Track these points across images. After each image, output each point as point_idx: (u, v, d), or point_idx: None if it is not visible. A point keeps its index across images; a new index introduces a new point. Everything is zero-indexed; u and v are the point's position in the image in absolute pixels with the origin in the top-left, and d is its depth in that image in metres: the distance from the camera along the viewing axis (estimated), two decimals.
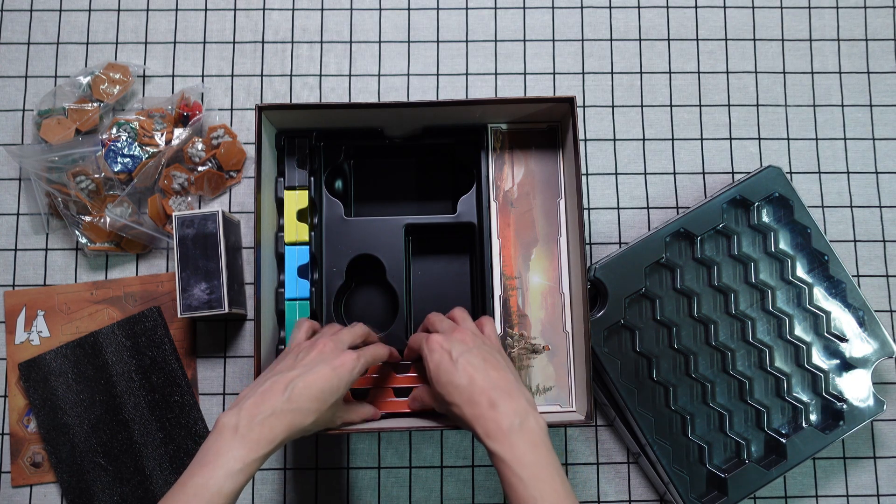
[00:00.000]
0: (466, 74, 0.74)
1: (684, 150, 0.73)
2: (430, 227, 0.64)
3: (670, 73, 0.74)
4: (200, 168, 0.70)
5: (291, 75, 0.73)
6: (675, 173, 0.72)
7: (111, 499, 0.65)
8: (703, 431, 0.65)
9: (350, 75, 0.73)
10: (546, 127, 0.64)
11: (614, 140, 0.73)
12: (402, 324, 0.61)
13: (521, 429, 0.48)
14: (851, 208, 0.72)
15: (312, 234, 0.62)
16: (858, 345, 0.65)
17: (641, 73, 0.74)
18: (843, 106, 0.74)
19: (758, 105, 0.74)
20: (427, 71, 0.74)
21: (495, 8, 0.75)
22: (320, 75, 0.73)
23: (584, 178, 0.72)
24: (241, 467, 0.46)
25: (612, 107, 0.73)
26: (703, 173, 0.72)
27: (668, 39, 0.75)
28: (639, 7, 0.75)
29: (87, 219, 0.68)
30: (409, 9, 0.75)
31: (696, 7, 0.75)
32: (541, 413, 0.60)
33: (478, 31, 0.74)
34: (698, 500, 0.62)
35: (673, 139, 0.73)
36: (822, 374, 0.64)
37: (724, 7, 0.75)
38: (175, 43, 0.74)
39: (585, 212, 0.71)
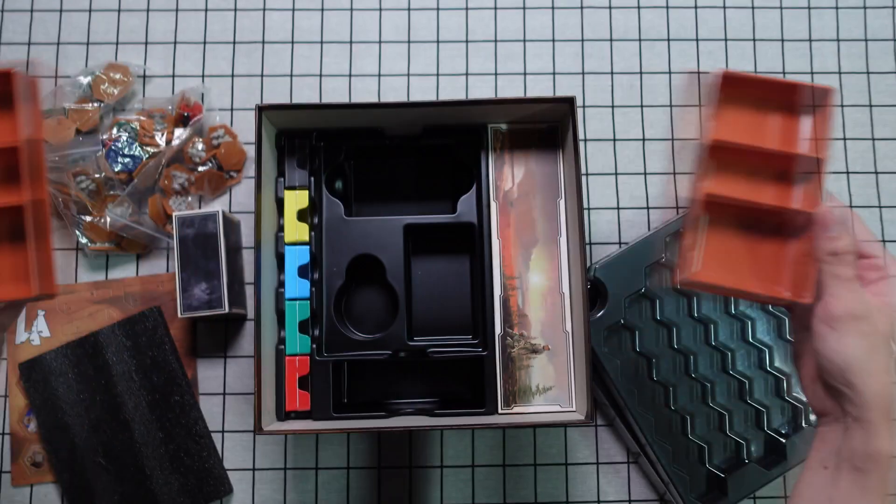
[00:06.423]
0: (466, 74, 0.74)
1: (684, 150, 0.73)
2: (430, 227, 0.63)
3: (670, 73, 0.74)
4: (201, 168, 0.70)
5: (292, 75, 0.73)
6: (674, 173, 0.72)
7: (111, 498, 0.65)
8: (702, 431, 0.65)
9: (350, 75, 0.73)
10: (546, 127, 0.64)
11: (614, 140, 0.73)
12: (402, 324, 0.61)
13: None
14: (850, 208, 0.72)
15: (312, 234, 0.62)
16: None
17: (641, 73, 0.74)
18: (842, 106, 0.74)
19: None
20: (427, 71, 0.74)
21: (495, 8, 0.75)
22: (320, 75, 0.73)
23: (584, 178, 0.72)
24: None
25: (612, 107, 0.73)
26: None
27: (668, 40, 0.75)
28: (638, 7, 0.75)
29: (88, 219, 0.68)
30: (409, 9, 0.75)
31: (695, 7, 0.75)
32: (540, 412, 0.60)
33: (478, 31, 0.74)
34: (698, 500, 0.62)
35: (673, 139, 0.73)
36: None
37: (724, 7, 0.75)
38: (175, 43, 0.74)
39: (585, 212, 0.71)
